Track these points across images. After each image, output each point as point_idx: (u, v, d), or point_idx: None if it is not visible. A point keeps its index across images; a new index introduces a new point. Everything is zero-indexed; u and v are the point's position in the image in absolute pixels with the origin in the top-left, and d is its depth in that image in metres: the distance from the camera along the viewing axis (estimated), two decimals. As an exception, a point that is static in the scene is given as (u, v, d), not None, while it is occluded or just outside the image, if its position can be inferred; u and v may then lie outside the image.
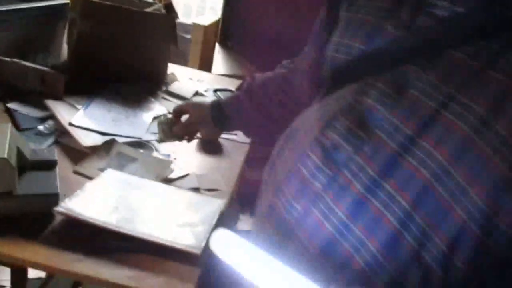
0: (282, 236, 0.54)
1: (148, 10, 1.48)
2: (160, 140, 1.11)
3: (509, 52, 0.45)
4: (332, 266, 0.48)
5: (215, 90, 1.57)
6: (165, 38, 1.48)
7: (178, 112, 1.16)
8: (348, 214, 0.48)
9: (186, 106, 1.18)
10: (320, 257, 0.49)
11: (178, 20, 3.40)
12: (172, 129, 1.11)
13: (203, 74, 1.88)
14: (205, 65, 2.58)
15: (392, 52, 0.54)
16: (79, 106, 1.20)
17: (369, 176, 0.48)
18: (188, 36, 2.98)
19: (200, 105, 1.18)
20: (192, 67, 2.75)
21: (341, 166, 0.50)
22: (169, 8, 1.52)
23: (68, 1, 1.46)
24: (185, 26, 3.20)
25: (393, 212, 0.46)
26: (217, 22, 2.78)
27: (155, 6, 1.53)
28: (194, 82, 1.63)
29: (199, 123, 1.13)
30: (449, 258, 0.43)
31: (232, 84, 1.67)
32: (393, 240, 0.45)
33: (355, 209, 0.48)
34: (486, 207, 0.41)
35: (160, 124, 1.12)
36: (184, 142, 1.15)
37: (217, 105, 1.12)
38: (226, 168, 1.10)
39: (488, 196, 0.41)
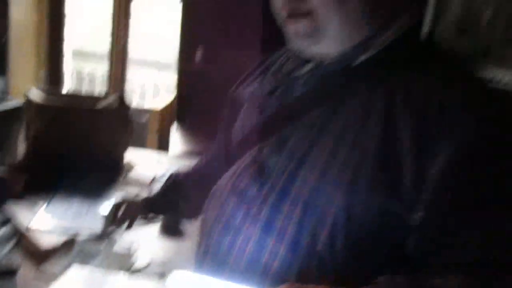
0: (218, 265, 0.72)
1: (101, 105, 1.55)
2: (105, 227, 1.11)
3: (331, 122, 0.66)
4: (259, 275, 0.66)
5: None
6: (119, 129, 1.54)
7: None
8: (262, 234, 0.66)
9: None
10: (249, 270, 0.67)
11: (133, 106, 3.50)
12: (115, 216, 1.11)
13: (161, 156, 1.94)
14: (163, 145, 2.64)
15: (272, 121, 0.75)
16: (39, 205, 1.21)
17: (271, 204, 0.67)
18: (144, 120, 3.07)
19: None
20: (150, 148, 2.81)
21: (251, 203, 0.69)
22: (122, 100, 1.60)
23: (22, 105, 1.52)
24: (141, 110, 3.30)
25: (291, 225, 0.64)
26: (172, 103, 2.89)
27: (109, 100, 1.60)
28: (152, 166, 1.68)
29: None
30: (331, 246, 0.61)
31: (190, 163, 1.73)
32: (296, 244, 0.63)
33: (267, 228, 0.66)
34: (344, 208, 0.61)
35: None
36: (148, 228, 1.17)
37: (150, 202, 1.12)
38: (190, 248, 1.12)
39: (344, 202, 0.61)
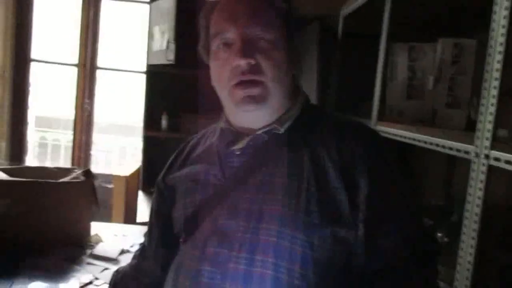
0: None
1: (65, 178, 1.55)
2: None
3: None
4: None
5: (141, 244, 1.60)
6: (85, 203, 1.54)
7: None
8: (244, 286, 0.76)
9: None
10: None
11: (98, 172, 3.47)
12: None
13: (129, 227, 1.92)
14: (130, 214, 2.61)
15: (217, 194, 0.85)
16: (-1, 290, 1.18)
17: (245, 262, 0.77)
18: (110, 186, 3.04)
19: None
20: (117, 217, 2.76)
21: (226, 265, 0.78)
22: (88, 173, 1.61)
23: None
24: (106, 177, 3.27)
25: (268, 271, 0.75)
26: (138, 171, 2.89)
27: (74, 174, 1.61)
28: (119, 238, 1.66)
29: None
30: (305, 276, 0.74)
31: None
32: (276, 283, 0.74)
33: (247, 281, 0.75)
34: (307, 243, 0.75)
35: None
36: None
37: None
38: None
39: (305, 238, 0.75)
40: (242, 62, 0.79)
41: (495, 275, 1.10)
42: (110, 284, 1.09)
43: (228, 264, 0.77)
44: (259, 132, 0.84)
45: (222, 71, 0.82)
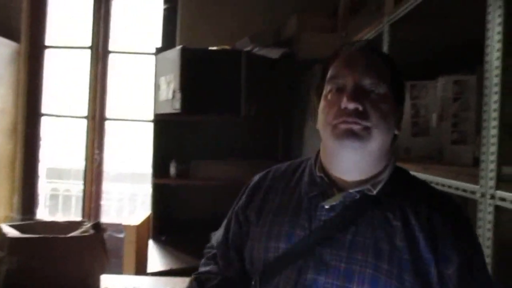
0: None
1: (75, 232, 1.56)
2: None
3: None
4: None
5: (152, 296, 1.58)
6: (94, 256, 1.54)
7: None
8: None
9: None
10: None
11: (109, 222, 3.47)
12: None
13: (139, 279, 1.90)
14: (141, 264, 2.58)
15: (303, 246, 0.85)
16: None
17: None
18: (121, 236, 3.03)
19: None
20: (128, 267, 2.73)
21: None
22: (97, 227, 1.61)
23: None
24: (117, 226, 3.26)
25: None
26: (148, 219, 2.88)
27: (84, 227, 1.62)
28: (129, 291, 1.64)
29: None
30: None
31: (168, 283, 1.70)
32: None
33: None
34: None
35: None
36: None
37: None
38: None
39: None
40: (351, 106, 0.81)
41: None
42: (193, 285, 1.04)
43: None
44: (352, 191, 0.85)
45: (329, 111, 0.85)
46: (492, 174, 0.85)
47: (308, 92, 2.49)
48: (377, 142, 0.83)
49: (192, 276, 1.07)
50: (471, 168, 1.28)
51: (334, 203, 0.85)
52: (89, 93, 3.46)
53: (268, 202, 0.96)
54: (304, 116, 2.52)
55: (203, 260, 1.10)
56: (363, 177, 0.86)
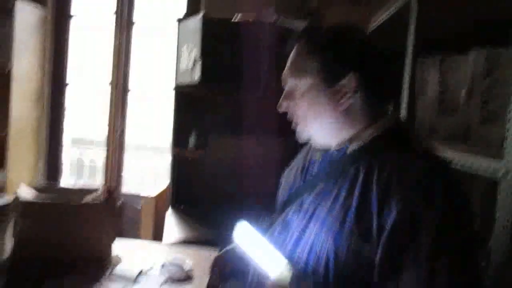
0: None
1: (87, 199, 1.55)
2: None
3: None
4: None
5: (163, 266, 1.58)
6: (106, 223, 1.53)
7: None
8: (290, 253, 0.93)
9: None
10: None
11: (127, 192, 3.51)
12: None
13: (153, 246, 1.90)
14: (157, 233, 2.60)
15: (294, 194, 1.05)
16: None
17: (292, 244, 0.94)
18: (139, 207, 3.06)
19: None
20: (144, 236, 2.77)
21: (282, 244, 0.96)
22: (111, 193, 1.61)
23: (10, 202, 1.52)
24: (136, 197, 3.30)
25: (303, 257, 0.90)
26: (166, 190, 2.89)
27: (95, 194, 1.61)
28: (140, 259, 1.64)
29: None
30: (325, 276, 0.84)
31: (182, 253, 1.70)
32: (306, 266, 0.88)
33: (291, 253, 0.93)
34: (334, 249, 0.85)
35: None
36: None
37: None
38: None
39: (333, 245, 0.85)
40: (280, 110, 1.03)
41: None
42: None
43: (282, 244, 0.96)
44: (332, 150, 1.00)
45: None
46: (518, 151, 0.77)
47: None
48: (314, 126, 0.99)
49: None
50: (498, 148, 1.20)
51: (316, 158, 1.05)
52: (113, 62, 3.46)
53: (299, 163, 1.15)
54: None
55: None
56: (339, 140, 0.98)
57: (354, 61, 0.95)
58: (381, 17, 1.82)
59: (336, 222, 0.86)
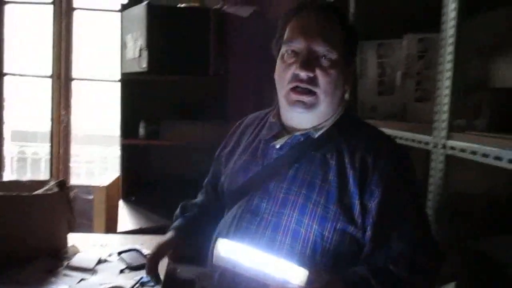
0: None
1: (39, 191, 1.53)
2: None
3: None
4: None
5: (119, 253, 1.59)
6: (60, 214, 1.52)
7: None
8: (266, 250, 0.90)
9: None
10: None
11: (79, 184, 3.43)
12: None
13: (108, 237, 1.91)
14: (111, 224, 2.59)
15: (255, 179, 1.02)
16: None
17: (268, 237, 0.94)
18: (91, 197, 3.01)
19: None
20: (98, 228, 2.74)
21: (253, 237, 0.95)
22: (62, 184, 1.59)
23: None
24: (87, 188, 3.24)
25: (284, 248, 0.92)
26: (117, 180, 2.87)
27: (48, 186, 1.59)
28: (97, 249, 1.65)
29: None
30: (313, 257, 0.89)
31: (138, 241, 1.71)
32: (289, 258, 0.87)
33: (268, 249, 0.91)
34: (319, 232, 0.90)
35: None
36: None
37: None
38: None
39: (319, 228, 0.90)
40: (303, 73, 0.93)
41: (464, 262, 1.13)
42: (178, 210, 1.25)
43: (254, 239, 0.93)
44: (297, 133, 0.99)
45: (285, 73, 0.96)
46: (444, 125, 0.87)
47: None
48: (324, 105, 0.96)
49: (180, 203, 1.28)
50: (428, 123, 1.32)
51: (281, 143, 1.00)
52: (53, 51, 3.33)
53: (239, 144, 1.14)
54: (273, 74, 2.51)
55: (198, 193, 1.33)
56: (309, 126, 0.99)
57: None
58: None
59: (317, 207, 0.90)
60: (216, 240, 0.96)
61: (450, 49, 0.91)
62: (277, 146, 1.01)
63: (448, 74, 0.90)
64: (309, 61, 0.92)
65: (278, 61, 1.00)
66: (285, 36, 0.97)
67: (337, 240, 0.89)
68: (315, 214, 0.90)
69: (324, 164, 0.94)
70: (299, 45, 0.94)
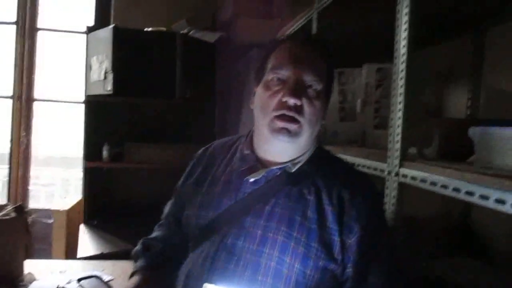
0: None
1: (-4, 216, 1.49)
2: None
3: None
4: None
5: (79, 280, 1.55)
6: (16, 240, 1.48)
7: None
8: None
9: None
10: None
11: (39, 207, 3.32)
12: None
13: (67, 262, 1.85)
14: (71, 248, 2.52)
15: (228, 214, 0.96)
16: None
17: (248, 277, 0.89)
18: (51, 221, 2.92)
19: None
20: (58, 253, 2.66)
21: (231, 279, 0.89)
22: (20, 209, 1.55)
23: None
24: (46, 212, 3.14)
25: (267, 285, 0.88)
26: (79, 203, 2.80)
27: (5, 211, 1.54)
28: (55, 275, 1.60)
29: None
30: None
31: (99, 267, 1.68)
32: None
33: None
34: (301, 270, 0.88)
35: None
36: None
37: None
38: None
39: (300, 266, 0.88)
40: (291, 101, 0.90)
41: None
42: (140, 247, 1.15)
43: (233, 279, 0.89)
44: (274, 168, 0.96)
45: (269, 100, 0.94)
46: (397, 153, 0.92)
47: (245, 76, 2.51)
48: (306, 135, 0.94)
49: (141, 240, 1.19)
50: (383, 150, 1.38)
51: (257, 177, 0.96)
52: (15, 72, 3.26)
53: (206, 174, 1.08)
54: (241, 99, 2.55)
55: (156, 227, 1.24)
56: (286, 159, 0.97)
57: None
58: (288, 31, 1.97)
59: (299, 245, 0.88)
60: (203, 286, 0.89)
61: (402, 79, 0.96)
62: (251, 180, 0.97)
63: (401, 103, 0.95)
64: (297, 89, 0.92)
65: (260, 89, 0.97)
66: (271, 64, 0.96)
67: (319, 277, 0.88)
68: (297, 253, 0.88)
69: (302, 200, 0.92)
70: (287, 73, 0.93)
